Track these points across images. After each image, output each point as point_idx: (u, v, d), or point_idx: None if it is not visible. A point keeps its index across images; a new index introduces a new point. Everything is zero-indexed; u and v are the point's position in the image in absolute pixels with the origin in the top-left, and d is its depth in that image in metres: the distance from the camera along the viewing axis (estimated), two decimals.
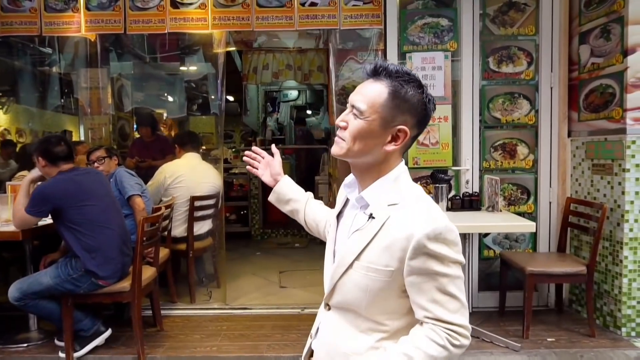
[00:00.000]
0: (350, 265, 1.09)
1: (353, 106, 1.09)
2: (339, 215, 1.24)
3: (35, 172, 2.69)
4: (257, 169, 1.49)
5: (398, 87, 1.06)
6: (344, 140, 1.10)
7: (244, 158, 1.52)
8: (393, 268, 1.04)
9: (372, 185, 1.11)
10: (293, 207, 1.46)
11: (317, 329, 1.23)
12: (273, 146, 1.53)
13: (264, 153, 1.51)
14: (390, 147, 1.08)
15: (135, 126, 5.67)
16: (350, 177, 1.21)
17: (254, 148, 1.52)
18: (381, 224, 1.06)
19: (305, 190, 1.50)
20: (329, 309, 1.18)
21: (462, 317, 1.04)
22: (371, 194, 1.11)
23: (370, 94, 1.07)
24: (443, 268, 1.02)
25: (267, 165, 1.48)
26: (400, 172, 1.12)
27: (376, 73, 1.09)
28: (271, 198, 1.48)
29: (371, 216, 1.08)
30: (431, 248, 1.00)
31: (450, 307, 1.03)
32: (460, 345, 1.03)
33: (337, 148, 1.12)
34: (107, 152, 3.35)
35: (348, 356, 1.12)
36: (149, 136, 4.83)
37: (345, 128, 1.10)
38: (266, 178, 1.48)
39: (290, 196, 1.46)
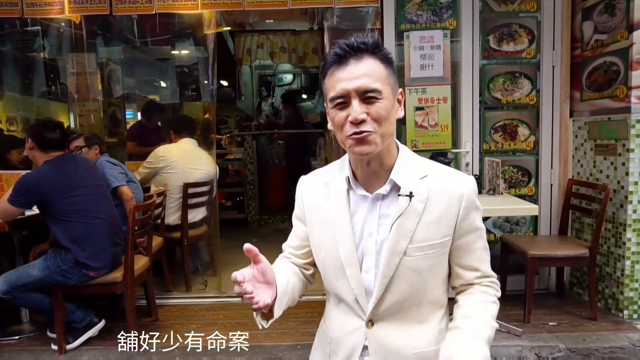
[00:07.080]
0: (404, 253, 1.04)
1: (367, 91, 1.00)
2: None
3: None
4: (257, 300, 1.01)
5: (384, 53, 1.05)
6: (373, 131, 1.00)
7: (242, 300, 1.01)
8: (449, 236, 1.07)
9: (395, 167, 1.08)
10: (295, 294, 1.23)
11: (362, 349, 1.11)
12: (251, 250, 1.04)
13: (249, 284, 1.02)
14: (400, 113, 1.08)
15: (129, 113, 5.55)
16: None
17: (238, 280, 0.99)
18: (425, 198, 1.06)
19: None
20: (372, 325, 1.10)
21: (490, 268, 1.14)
22: (399, 175, 1.07)
23: (375, 71, 1.02)
24: (481, 222, 1.11)
25: (262, 287, 1.06)
26: (402, 146, 1.12)
27: (357, 51, 1.03)
28: (278, 314, 1.10)
29: (411, 195, 1.05)
30: (476, 202, 1.08)
31: (489, 260, 1.12)
32: (499, 294, 1.14)
33: (371, 145, 1.01)
34: (85, 142, 3.16)
35: (424, 354, 1.07)
36: (155, 122, 4.81)
37: (365, 120, 1.00)
38: (269, 300, 1.05)
39: (288, 295, 1.16)
